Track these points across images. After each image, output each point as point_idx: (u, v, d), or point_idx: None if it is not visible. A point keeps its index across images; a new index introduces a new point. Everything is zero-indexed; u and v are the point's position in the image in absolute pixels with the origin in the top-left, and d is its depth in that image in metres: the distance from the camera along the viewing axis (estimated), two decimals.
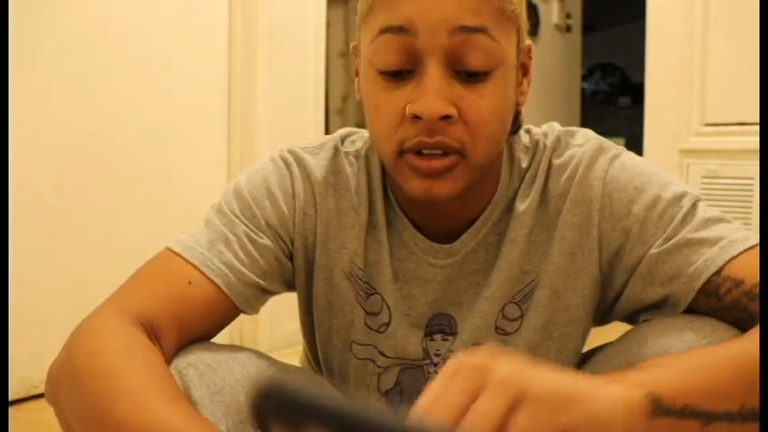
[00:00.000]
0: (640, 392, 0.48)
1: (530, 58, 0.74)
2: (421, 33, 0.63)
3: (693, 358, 0.56)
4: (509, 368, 0.44)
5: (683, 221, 0.69)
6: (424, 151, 0.65)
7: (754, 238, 0.68)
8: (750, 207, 2.30)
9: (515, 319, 0.75)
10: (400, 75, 0.65)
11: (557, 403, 0.44)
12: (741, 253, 0.66)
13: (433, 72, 0.63)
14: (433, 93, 0.63)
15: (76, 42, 1.85)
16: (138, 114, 2.00)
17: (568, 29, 4.08)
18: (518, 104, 0.72)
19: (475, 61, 0.64)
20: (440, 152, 0.65)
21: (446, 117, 0.63)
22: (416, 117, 0.63)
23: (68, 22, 1.83)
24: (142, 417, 0.53)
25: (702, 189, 2.39)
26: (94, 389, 0.57)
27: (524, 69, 0.73)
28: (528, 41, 0.73)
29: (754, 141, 2.24)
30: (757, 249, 0.66)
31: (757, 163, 2.24)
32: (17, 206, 1.71)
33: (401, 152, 0.66)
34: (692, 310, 0.68)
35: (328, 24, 2.77)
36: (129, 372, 0.58)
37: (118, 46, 1.94)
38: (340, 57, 3.77)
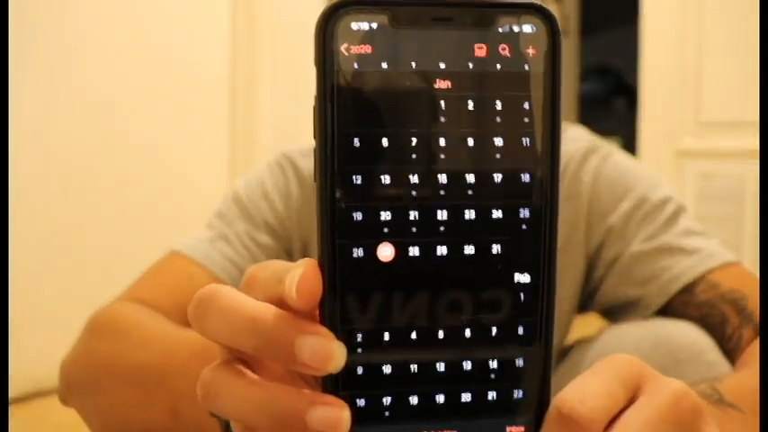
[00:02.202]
0: None
1: None
2: None
3: None
4: None
5: (666, 225, 0.71)
6: None
7: (733, 256, 0.69)
8: (743, 207, 2.32)
9: None
10: None
11: None
12: (719, 267, 0.67)
13: None
14: None
15: (79, 43, 1.87)
16: (141, 116, 2.02)
17: (565, 32, 4.11)
18: None
19: None
20: None
21: None
22: None
23: (71, 24, 1.85)
24: (167, 339, 0.55)
25: (697, 189, 2.41)
26: (114, 347, 0.58)
27: None
28: None
29: (748, 141, 2.26)
30: (736, 266, 0.68)
31: (751, 163, 2.26)
32: (24, 205, 1.73)
33: None
34: (664, 304, 0.69)
35: None
36: (145, 321, 0.60)
37: (120, 46, 1.96)
38: None
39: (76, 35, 1.86)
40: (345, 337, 0.26)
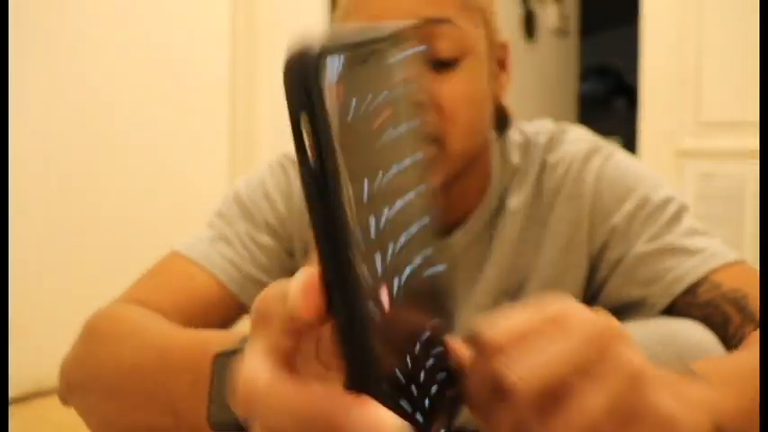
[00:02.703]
0: (707, 420, 0.38)
1: (506, 53, 0.75)
2: None
3: (742, 372, 0.46)
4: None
5: (669, 225, 0.71)
6: None
7: (735, 255, 0.70)
8: (744, 206, 2.32)
9: None
10: None
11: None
12: (722, 266, 0.68)
13: None
14: None
15: (81, 44, 1.87)
16: (141, 117, 2.02)
17: (565, 32, 4.11)
18: (498, 98, 0.74)
19: (443, 49, 0.66)
20: None
21: None
22: None
23: (71, 24, 1.85)
24: (166, 340, 0.55)
25: (697, 189, 2.41)
26: (114, 348, 0.58)
27: (501, 64, 0.75)
28: (503, 38, 0.74)
29: (748, 141, 2.26)
30: (739, 266, 0.69)
31: (751, 163, 2.26)
32: (26, 206, 1.73)
33: None
34: (668, 305, 0.70)
35: (330, 24, 2.79)
36: (154, 324, 0.61)
37: (123, 49, 1.96)
38: None
39: (76, 35, 1.86)
40: (378, 379, 0.26)
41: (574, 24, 4.28)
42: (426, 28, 0.65)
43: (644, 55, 2.53)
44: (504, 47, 0.75)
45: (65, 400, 0.64)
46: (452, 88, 0.67)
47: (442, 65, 0.67)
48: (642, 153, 2.51)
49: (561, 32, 4.06)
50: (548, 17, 3.89)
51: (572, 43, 4.29)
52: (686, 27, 2.40)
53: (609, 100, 5.92)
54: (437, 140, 0.67)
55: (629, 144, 2.65)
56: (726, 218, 2.34)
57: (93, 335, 0.62)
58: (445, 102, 0.66)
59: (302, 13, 2.38)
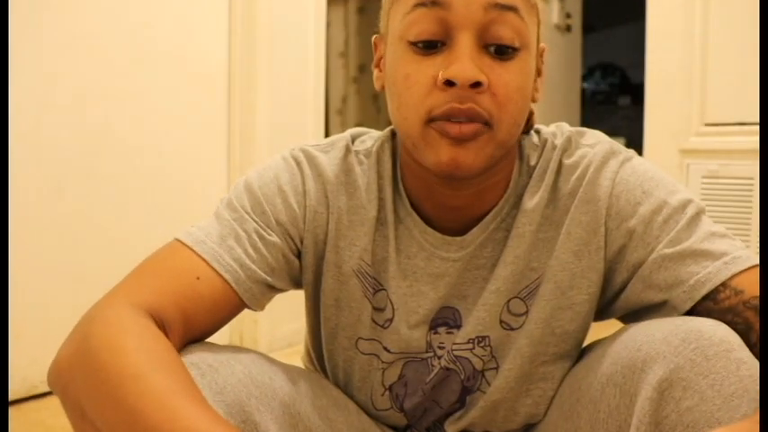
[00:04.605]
0: None
1: (542, 60, 0.75)
2: (455, 8, 0.65)
3: None
4: None
5: (688, 229, 0.71)
6: (452, 119, 0.66)
7: (755, 258, 0.70)
8: (750, 207, 2.31)
9: (520, 315, 0.76)
10: (431, 46, 0.67)
11: None
12: (743, 270, 0.68)
13: (465, 43, 0.65)
14: (466, 60, 0.65)
15: (77, 42, 1.85)
16: (138, 114, 2.00)
17: (568, 29, 4.08)
18: (533, 100, 0.74)
19: (505, 35, 0.66)
20: (468, 120, 0.66)
21: (477, 84, 0.65)
22: (448, 83, 0.65)
23: (69, 22, 1.83)
24: (172, 420, 0.54)
25: (702, 189, 2.39)
26: (122, 390, 0.57)
27: (538, 70, 0.75)
28: (542, 44, 0.75)
29: (754, 141, 2.25)
30: (758, 269, 0.68)
31: (757, 163, 2.24)
32: (18, 206, 1.71)
33: (428, 121, 0.67)
34: (688, 310, 0.70)
35: (328, 24, 2.77)
36: (155, 372, 0.58)
37: (118, 45, 1.94)
38: (340, 57, 3.76)
39: (74, 33, 1.84)
40: None
41: (577, 21, 4.25)
42: (495, 12, 0.65)
43: (650, 54, 2.51)
44: (542, 53, 0.75)
45: (52, 387, 0.64)
46: (508, 77, 0.67)
47: (500, 51, 0.67)
48: (647, 152, 2.50)
49: (564, 29, 4.04)
50: (551, 14, 3.87)
51: (575, 40, 4.26)
52: (692, 26, 2.38)
53: (613, 97, 5.90)
54: (488, 123, 0.67)
55: (633, 143, 2.63)
56: (732, 218, 2.32)
57: (94, 368, 0.59)
58: (499, 88, 0.66)
59: (301, 12, 2.36)
